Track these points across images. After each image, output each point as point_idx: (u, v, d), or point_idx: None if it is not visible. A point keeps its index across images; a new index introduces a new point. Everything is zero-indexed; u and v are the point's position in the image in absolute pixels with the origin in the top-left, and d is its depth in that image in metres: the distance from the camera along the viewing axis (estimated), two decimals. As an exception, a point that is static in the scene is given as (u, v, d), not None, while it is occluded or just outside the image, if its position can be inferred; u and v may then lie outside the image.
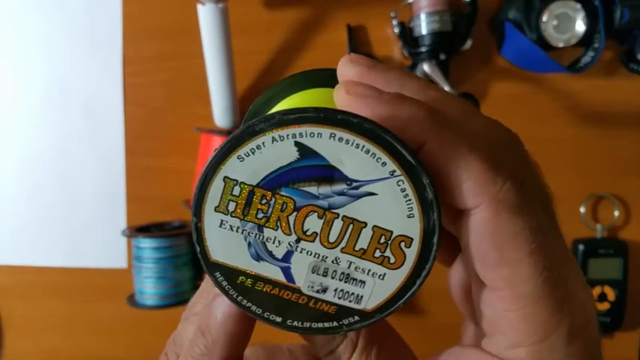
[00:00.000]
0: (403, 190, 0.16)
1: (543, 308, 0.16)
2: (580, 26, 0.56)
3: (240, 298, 0.18)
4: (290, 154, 0.16)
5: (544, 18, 0.56)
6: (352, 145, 0.16)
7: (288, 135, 0.16)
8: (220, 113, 0.59)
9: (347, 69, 0.18)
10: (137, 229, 0.59)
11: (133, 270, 0.58)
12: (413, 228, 0.16)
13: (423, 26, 0.56)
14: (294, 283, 0.17)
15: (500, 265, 0.16)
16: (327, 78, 0.20)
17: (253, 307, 0.18)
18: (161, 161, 0.62)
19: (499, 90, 0.61)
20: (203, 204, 0.16)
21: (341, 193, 0.16)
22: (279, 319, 0.18)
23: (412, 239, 0.16)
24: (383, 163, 0.16)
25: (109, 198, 0.62)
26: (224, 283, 0.17)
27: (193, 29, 0.56)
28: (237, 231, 0.17)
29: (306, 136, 0.16)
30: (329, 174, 0.16)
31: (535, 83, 0.61)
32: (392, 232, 0.17)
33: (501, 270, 0.17)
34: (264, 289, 0.17)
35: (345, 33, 0.60)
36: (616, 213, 0.62)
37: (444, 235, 0.18)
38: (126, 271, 0.63)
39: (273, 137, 0.16)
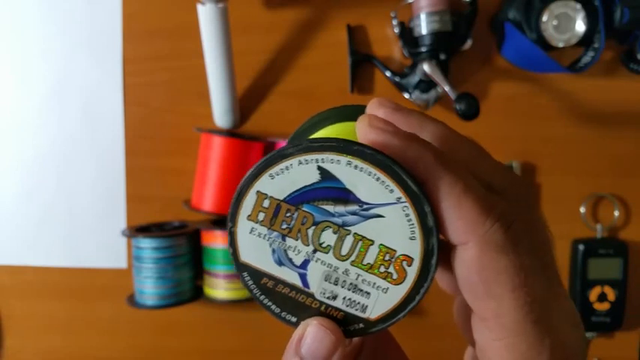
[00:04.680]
0: (407, 215, 0.18)
1: (524, 340, 0.18)
2: (580, 26, 0.56)
3: (262, 297, 0.20)
4: (312, 176, 0.18)
5: (544, 18, 0.56)
6: (365, 172, 0.18)
7: (312, 159, 0.18)
8: (220, 113, 0.59)
9: (375, 109, 0.21)
10: (137, 229, 0.59)
11: (132, 270, 0.58)
12: (414, 249, 0.19)
13: (423, 26, 0.56)
14: (308, 288, 0.20)
15: (487, 298, 0.18)
16: (359, 113, 0.23)
17: (273, 307, 0.20)
18: (161, 161, 0.62)
19: (499, 90, 0.61)
20: (238, 212, 0.19)
21: (353, 213, 0.19)
22: (294, 320, 0.20)
23: (413, 259, 0.19)
24: (391, 190, 0.18)
25: (109, 198, 0.62)
26: (250, 282, 0.20)
27: (193, 29, 0.56)
28: (264, 238, 0.19)
29: (327, 161, 0.18)
30: (344, 195, 0.18)
31: (535, 83, 0.61)
32: (396, 251, 0.19)
33: (488, 302, 0.18)
34: (283, 291, 0.20)
35: (345, 33, 0.60)
36: (616, 213, 0.62)
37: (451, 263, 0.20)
38: (126, 271, 0.63)
39: (299, 160, 0.18)
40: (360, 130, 0.19)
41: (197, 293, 0.60)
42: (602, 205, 0.62)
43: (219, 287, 0.58)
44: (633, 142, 0.62)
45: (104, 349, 0.64)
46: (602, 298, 0.61)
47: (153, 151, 0.62)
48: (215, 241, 0.58)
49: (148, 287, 0.57)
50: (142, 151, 0.62)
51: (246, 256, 0.19)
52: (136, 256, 0.57)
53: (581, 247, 0.61)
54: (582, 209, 0.62)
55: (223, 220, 0.60)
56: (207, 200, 0.58)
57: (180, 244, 0.57)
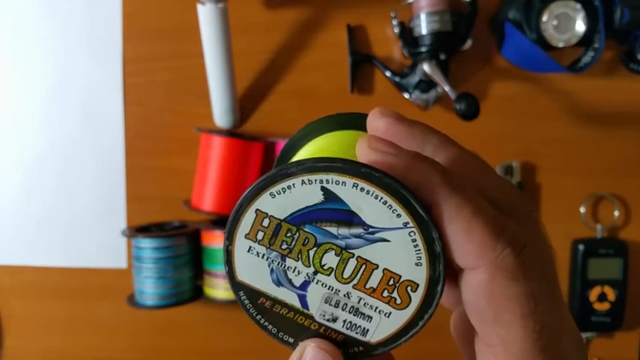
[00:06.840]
0: (414, 241, 0.18)
1: None
2: (580, 26, 0.56)
3: (259, 317, 0.19)
4: (316, 197, 0.18)
5: (544, 18, 0.56)
6: (372, 195, 0.17)
7: (316, 180, 0.18)
8: (220, 113, 0.59)
9: (376, 120, 0.20)
10: (137, 229, 0.59)
11: (132, 270, 0.58)
12: (420, 275, 0.18)
13: (423, 26, 0.56)
14: (308, 309, 0.19)
15: (495, 324, 0.18)
16: (358, 121, 0.23)
17: (270, 327, 0.20)
18: (161, 161, 0.62)
19: (499, 90, 0.61)
20: (236, 230, 0.18)
21: (358, 236, 0.18)
22: (291, 340, 0.20)
23: (418, 285, 0.18)
24: (398, 215, 0.17)
25: (109, 198, 0.62)
26: (246, 302, 0.19)
27: (193, 29, 0.56)
28: (262, 257, 0.19)
29: (332, 182, 0.18)
30: (349, 218, 0.18)
31: (535, 83, 0.61)
32: (400, 276, 0.18)
33: (496, 328, 0.18)
34: (281, 312, 0.19)
35: (345, 33, 0.60)
36: (616, 213, 0.62)
37: (452, 279, 0.19)
38: (126, 271, 0.63)
39: (302, 180, 0.18)
40: (361, 152, 0.18)
41: (197, 293, 0.60)
42: (602, 205, 0.62)
43: (219, 287, 0.58)
44: (633, 142, 0.62)
45: (104, 349, 0.64)
46: (602, 298, 0.61)
47: (153, 151, 0.62)
48: (215, 241, 0.58)
49: (148, 287, 0.57)
50: (142, 151, 0.62)
51: (243, 275, 0.19)
52: (136, 256, 0.57)
53: (581, 247, 0.61)
54: (582, 209, 0.62)
55: (223, 220, 0.60)
56: (207, 200, 0.58)
57: (180, 244, 0.57)
